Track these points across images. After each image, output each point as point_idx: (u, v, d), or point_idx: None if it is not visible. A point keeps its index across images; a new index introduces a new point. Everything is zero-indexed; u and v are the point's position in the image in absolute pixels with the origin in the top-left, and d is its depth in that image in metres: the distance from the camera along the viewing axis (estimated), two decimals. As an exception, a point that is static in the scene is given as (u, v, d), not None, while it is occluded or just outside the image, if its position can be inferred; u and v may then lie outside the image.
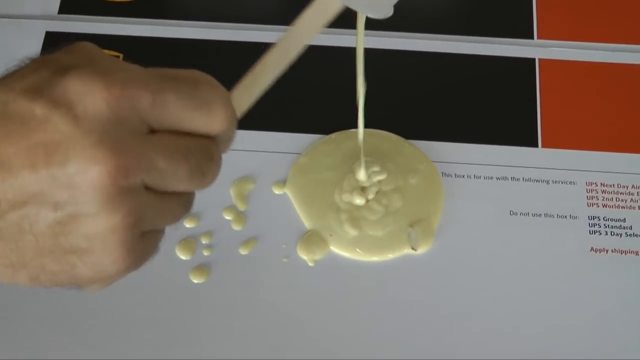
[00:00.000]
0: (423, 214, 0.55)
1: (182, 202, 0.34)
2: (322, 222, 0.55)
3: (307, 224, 0.55)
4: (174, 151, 0.32)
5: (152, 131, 0.32)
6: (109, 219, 0.31)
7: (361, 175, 0.55)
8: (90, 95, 0.30)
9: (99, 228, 0.31)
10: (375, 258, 0.54)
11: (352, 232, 0.54)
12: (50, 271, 0.32)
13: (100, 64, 0.31)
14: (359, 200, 0.55)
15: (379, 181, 0.56)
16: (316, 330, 0.51)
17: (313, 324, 0.51)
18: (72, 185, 0.30)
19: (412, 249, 0.54)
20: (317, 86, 0.60)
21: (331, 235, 0.54)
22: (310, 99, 0.60)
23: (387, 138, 0.58)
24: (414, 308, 0.52)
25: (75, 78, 0.30)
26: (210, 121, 0.33)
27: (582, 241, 0.54)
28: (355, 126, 0.53)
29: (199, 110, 0.32)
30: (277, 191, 0.56)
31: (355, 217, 0.55)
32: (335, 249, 0.54)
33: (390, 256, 0.54)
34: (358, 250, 0.54)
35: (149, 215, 0.32)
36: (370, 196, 0.55)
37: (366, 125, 0.53)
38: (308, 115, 0.59)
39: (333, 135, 0.58)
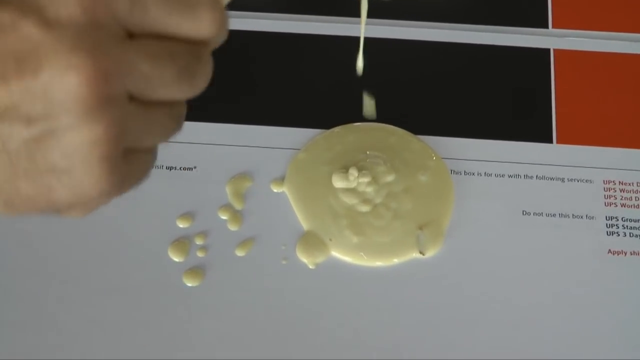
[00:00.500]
0: (433, 215, 0.53)
1: (173, 114, 0.32)
2: (320, 225, 0.53)
3: (305, 225, 0.53)
4: (158, 53, 0.30)
5: (133, 37, 0.30)
6: (89, 131, 0.29)
7: (349, 178, 0.54)
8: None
9: (78, 142, 0.29)
10: (379, 263, 0.52)
11: (354, 239, 0.53)
12: (25, 195, 0.30)
13: None
14: (364, 208, 0.53)
15: (388, 183, 0.54)
16: (317, 338, 0.49)
17: (314, 331, 0.50)
18: (47, 96, 0.28)
19: (420, 253, 0.52)
20: (318, 78, 0.59)
21: (330, 240, 0.53)
22: (312, 92, 0.59)
23: (393, 132, 0.57)
24: (421, 314, 0.50)
25: None
26: (197, 26, 0.31)
27: (600, 243, 0.53)
28: (359, 120, 0.52)
29: (183, 14, 0.30)
30: (275, 189, 0.55)
31: (358, 223, 0.53)
32: (336, 254, 0.53)
33: (396, 261, 0.52)
34: (362, 255, 0.52)
35: (134, 128, 0.30)
36: (378, 200, 0.53)
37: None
38: (309, 109, 0.58)
39: (336, 129, 0.57)
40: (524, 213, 0.54)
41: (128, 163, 0.31)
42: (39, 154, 0.29)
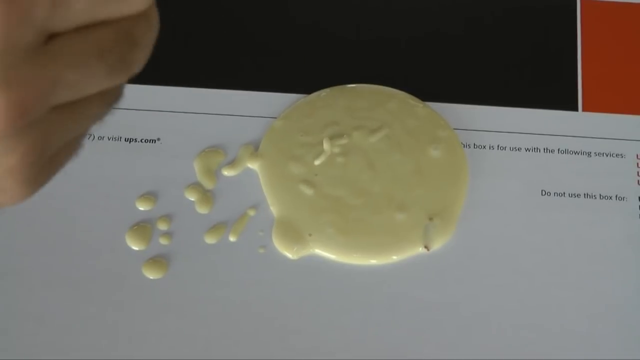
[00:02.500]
0: (446, 201, 0.50)
1: (106, 101, 0.31)
2: (294, 216, 0.49)
3: (275, 214, 0.50)
4: (86, 55, 0.29)
5: (55, 37, 0.29)
6: (3, 163, 0.29)
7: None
8: None
9: None
10: (374, 261, 0.49)
11: (341, 238, 0.49)
12: None
13: None
14: (356, 200, 0.50)
15: (392, 163, 0.51)
16: (300, 338, 0.46)
17: (296, 331, 0.47)
18: None
19: (425, 247, 0.48)
20: (303, 33, 0.56)
21: (310, 235, 0.49)
22: (296, 50, 0.56)
23: (392, 95, 0.53)
24: (423, 312, 0.47)
25: None
26: (127, 3, 0.29)
27: (632, 227, 0.50)
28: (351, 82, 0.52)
29: None
30: (252, 165, 0.51)
31: (346, 218, 0.49)
32: (319, 252, 0.49)
33: (395, 258, 0.49)
34: (353, 254, 0.49)
35: (58, 136, 0.30)
36: (377, 188, 0.50)
37: (366, 80, 0.52)
38: (292, 70, 0.55)
39: (323, 92, 0.53)
40: (544, 193, 0.51)
41: (50, 165, 0.31)
42: None
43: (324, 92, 0.53)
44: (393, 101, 0.53)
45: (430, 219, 0.49)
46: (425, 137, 0.51)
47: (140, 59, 0.30)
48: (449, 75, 0.55)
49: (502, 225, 0.50)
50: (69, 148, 0.32)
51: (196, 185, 0.50)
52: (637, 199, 0.51)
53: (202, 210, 0.49)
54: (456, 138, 0.52)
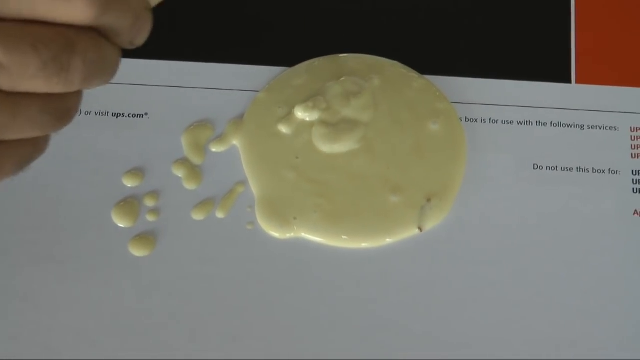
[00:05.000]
0: (445, 179, 0.48)
1: (48, 108, 0.32)
2: (277, 197, 0.48)
3: (256, 194, 0.48)
4: (18, 40, 0.30)
5: None
6: None
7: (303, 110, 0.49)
8: None
9: None
10: (365, 245, 0.47)
11: (329, 226, 0.47)
12: None
13: None
14: (344, 182, 0.48)
15: (390, 141, 0.49)
16: (288, 315, 0.46)
17: (285, 309, 0.46)
18: None
19: (419, 228, 0.47)
20: (293, 5, 0.55)
21: (295, 219, 0.47)
22: (288, 21, 0.55)
23: (386, 66, 0.52)
24: (414, 286, 0.47)
25: None
26: (69, 10, 0.30)
27: (625, 202, 0.49)
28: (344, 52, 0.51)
29: None
30: (235, 142, 0.51)
31: (334, 202, 0.48)
32: (306, 235, 0.48)
33: (389, 241, 0.47)
34: (343, 237, 0.47)
35: None
36: (372, 169, 0.48)
37: (358, 49, 0.51)
38: (284, 43, 0.54)
39: (308, 62, 0.52)
40: (536, 167, 0.51)
41: None
42: None
43: (310, 62, 0.52)
44: (388, 71, 0.52)
45: (429, 200, 0.48)
46: (425, 110, 0.50)
47: (78, 70, 0.30)
48: (440, 47, 0.54)
49: (494, 199, 0.49)
50: (9, 153, 0.32)
51: (184, 161, 0.49)
52: (631, 172, 0.50)
53: (189, 186, 0.49)
54: (453, 110, 0.50)
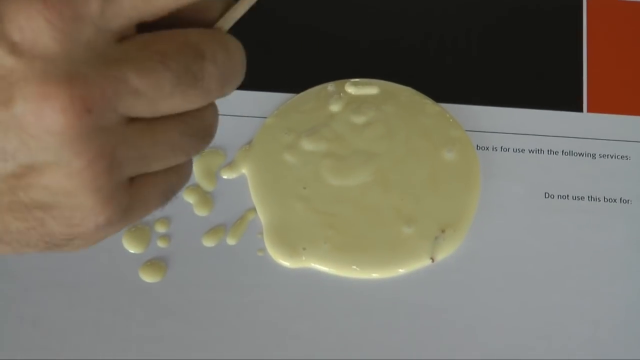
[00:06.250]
0: (459, 210, 0.48)
1: (189, 128, 0.30)
2: (286, 228, 0.48)
3: (263, 222, 0.48)
4: (148, 59, 0.28)
5: (118, 39, 0.29)
6: (72, 166, 0.28)
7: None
8: (24, 15, 0.27)
9: (60, 179, 0.28)
10: (376, 275, 0.47)
11: (339, 255, 0.47)
12: (16, 230, 0.30)
13: None
14: (352, 211, 0.48)
15: (403, 171, 0.49)
16: (298, 343, 0.45)
17: (294, 335, 0.46)
18: (22, 130, 0.28)
19: (430, 259, 0.47)
20: (306, 34, 0.55)
21: (305, 249, 0.47)
22: (300, 50, 0.55)
23: (399, 91, 0.52)
24: (424, 315, 0.46)
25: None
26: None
27: (637, 231, 0.49)
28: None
29: None
30: (244, 170, 0.51)
31: (344, 231, 0.47)
32: (316, 266, 0.47)
33: (401, 272, 0.47)
34: (354, 267, 0.47)
35: (133, 154, 0.29)
36: (384, 201, 0.48)
37: (369, 77, 0.51)
38: (296, 70, 0.54)
39: (327, 86, 0.52)
40: (547, 196, 0.50)
41: (134, 189, 0.30)
42: (20, 190, 0.29)
43: (327, 86, 0.51)
44: (402, 97, 0.51)
45: (443, 231, 0.47)
46: (439, 138, 0.50)
47: (212, 76, 0.29)
48: (452, 75, 0.54)
49: (505, 228, 0.49)
50: (155, 184, 0.31)
51: (195, 187, 0.49)
52: (642, 201, 0.50)
53: (200, 212, 0.49)
54: (467, 139, 0.50)
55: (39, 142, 0.28)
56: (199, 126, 0.31)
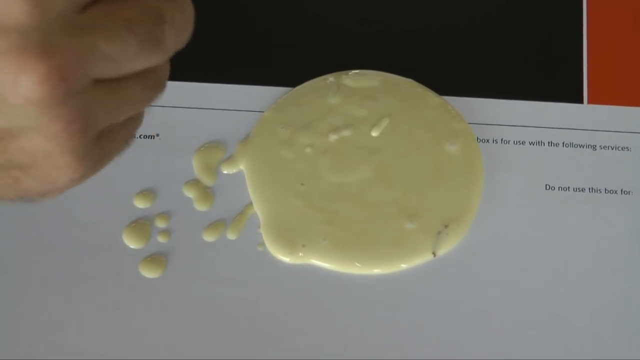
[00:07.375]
0: (462, 204, 0.48)
1: (149, 82, 0.32)
2: (286, 225, 0.47)
3: (263, 218, 0.48)
4: (115, 25, 0.30)
5: (83, 8, 0.30)
6: (49, 130, 0.29)
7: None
8: None
9: (38, 142, 0.30)
10: (377, 271, 0.47)
11: (339, 252, 0.47)
12: None
13: None
14: (355, 208, 0.48)
15: (405, 165, 0.48)
16: (300, 338, 0.45)
17: (296, 330, 0.45)
18: (0, 100, 0.28)
19: (432, 254, 0.47)
20: (306, 26, 0.55)
21: (304, 246, 0.47)
22: (299, 43, 0.54)
23: (400, 83, 0.51)
24: (425, 309, 0.46)
25: None
26: None
27: (638, 222, 0.49)
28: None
29: None
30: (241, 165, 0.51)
31: (343, 228, 0.47)
32: (316, 262, 0.47)
33: (404, 267, 0.47)
34: (356, 264, 0.46)
35: (104, 111, 0.31)
36: (386, 197, 0.48)
37: (370, 67, 0.51)
38: (296, 64, 0.54)
39: (319, 79, 0.52)
40: (547, 187, 0.50)
41: (103, 142, 0.32)
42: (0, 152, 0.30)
43: (326, 78, 0.51)
44: (402, 88, 0.51)
45: (446, 225, 0.47)
46: (443, 131, 0.50)
47: (171, 37, 0.31)
48: (451, 68, 0.54)
49: (506, 221, 0.49)
50: (119, 134, 0.32)
51: (195, 182, 0.49)
52: (643, 193, 0.50)
53: (201, 207, 0.48)
54: (470, 131, 0.50)
55: (17, 110, 0.29)
56: (156, 79, 0.32)
